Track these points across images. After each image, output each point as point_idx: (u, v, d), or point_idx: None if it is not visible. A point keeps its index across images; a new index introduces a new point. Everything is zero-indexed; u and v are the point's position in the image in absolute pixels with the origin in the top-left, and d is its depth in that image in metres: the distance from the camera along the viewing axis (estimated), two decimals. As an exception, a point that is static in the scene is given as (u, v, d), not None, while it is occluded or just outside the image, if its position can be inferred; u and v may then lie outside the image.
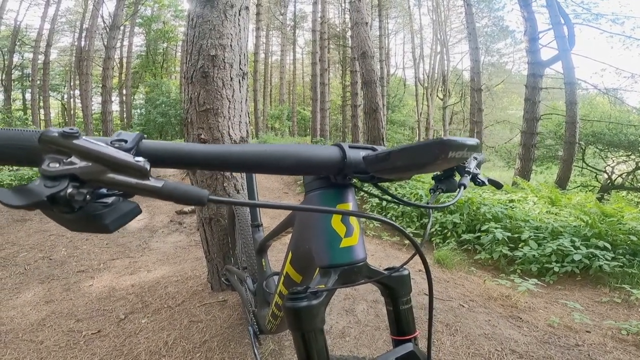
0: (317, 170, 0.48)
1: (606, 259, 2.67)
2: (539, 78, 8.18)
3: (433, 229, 3.70)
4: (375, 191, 0.57)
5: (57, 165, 0.31)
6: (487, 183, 0.53)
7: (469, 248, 3.38)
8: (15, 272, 2.40)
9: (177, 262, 2.57)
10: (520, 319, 1.84)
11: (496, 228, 3.28)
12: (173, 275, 2.26)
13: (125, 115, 17.79)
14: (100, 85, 12.75)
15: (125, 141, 0.35)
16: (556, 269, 2.72)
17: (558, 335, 1.67)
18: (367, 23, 6.20)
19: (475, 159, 0.52)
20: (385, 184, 0.56)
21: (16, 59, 15.79)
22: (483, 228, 3.40)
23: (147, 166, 0.33)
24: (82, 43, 14.81)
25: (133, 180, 0.32)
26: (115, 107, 17.25)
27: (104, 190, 0.34)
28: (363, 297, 1.86)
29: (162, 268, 2.44)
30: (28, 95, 16.57)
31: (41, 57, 14.50)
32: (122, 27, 14.82)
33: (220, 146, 0.41)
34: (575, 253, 2.74)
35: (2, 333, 1.62)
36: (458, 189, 0.49)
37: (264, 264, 1.22)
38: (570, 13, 8.98)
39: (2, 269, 2.46)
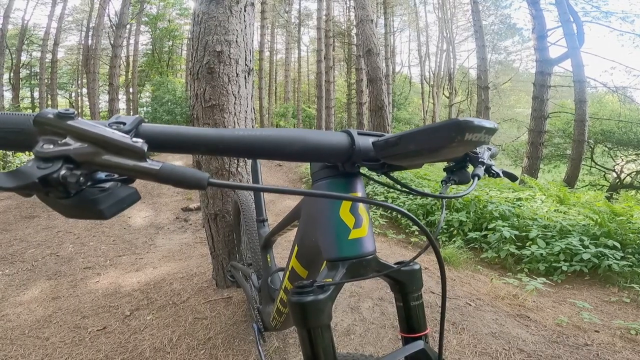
0: (325, 157, 0.46)
1: (615, 258, 2.63)
2: (547, 76, 8.10)
3: (439, 227, 3.66)
4: (385, 182, 0.55)
5: (52, 146, 0.30)
6: (501, 175, 0.51)
7: (476, 246, 3.34)
8: (23, 269, 2.42)
9: (182, 259, 2.58)
10: (528, 318, 1.82)
11: (503, 226, 3.25)
12: (178, 272, 2.26)
13: (132, 113, 17.93)
14: (107, 84, 12.89)
15: (124, 123, 0.34)
16: (564, 268, 2.69)
17: (566, 334, 1.64)
18: (372, 20, 6.17)
19: (489, 149, 0.50)
20: (396, 174, 0.54)
21: (24, 57, 15.94)
22: (490, 226, 3.37)
23: (145, 147, 0.32)
24: (89, 41, 14.93)
25: (130, 162, 0.31)
26: (122, 105, 17.41)
27: (102, 175, 0.33)
28: (369, 295, 1.85)
29: (168, 265, 2.45)
30: (36, 94, 16.72)
31: (49, 56, 14.60)
32: (128, 26, 14.88)
33: (224, 130, 0.39)
34: (584, 252, 2.71)
35: (8, 329, 1.64)
36: (472, 180, 0.47)
37: (269, 259, 1.21)
38: (579, 11, 8.91)
39: (10, 265, 2.48)
